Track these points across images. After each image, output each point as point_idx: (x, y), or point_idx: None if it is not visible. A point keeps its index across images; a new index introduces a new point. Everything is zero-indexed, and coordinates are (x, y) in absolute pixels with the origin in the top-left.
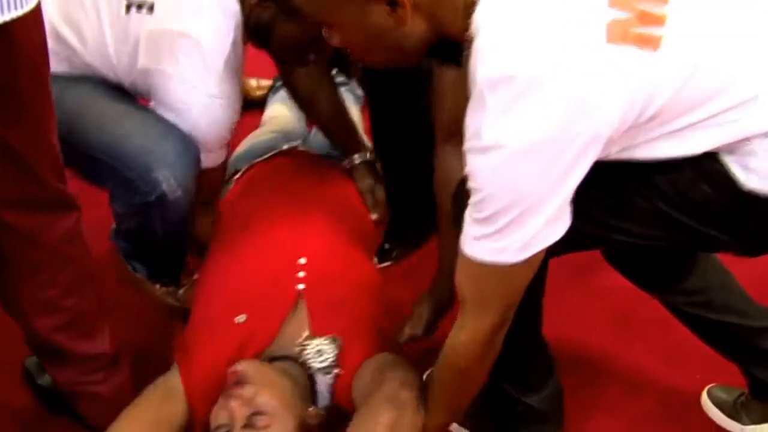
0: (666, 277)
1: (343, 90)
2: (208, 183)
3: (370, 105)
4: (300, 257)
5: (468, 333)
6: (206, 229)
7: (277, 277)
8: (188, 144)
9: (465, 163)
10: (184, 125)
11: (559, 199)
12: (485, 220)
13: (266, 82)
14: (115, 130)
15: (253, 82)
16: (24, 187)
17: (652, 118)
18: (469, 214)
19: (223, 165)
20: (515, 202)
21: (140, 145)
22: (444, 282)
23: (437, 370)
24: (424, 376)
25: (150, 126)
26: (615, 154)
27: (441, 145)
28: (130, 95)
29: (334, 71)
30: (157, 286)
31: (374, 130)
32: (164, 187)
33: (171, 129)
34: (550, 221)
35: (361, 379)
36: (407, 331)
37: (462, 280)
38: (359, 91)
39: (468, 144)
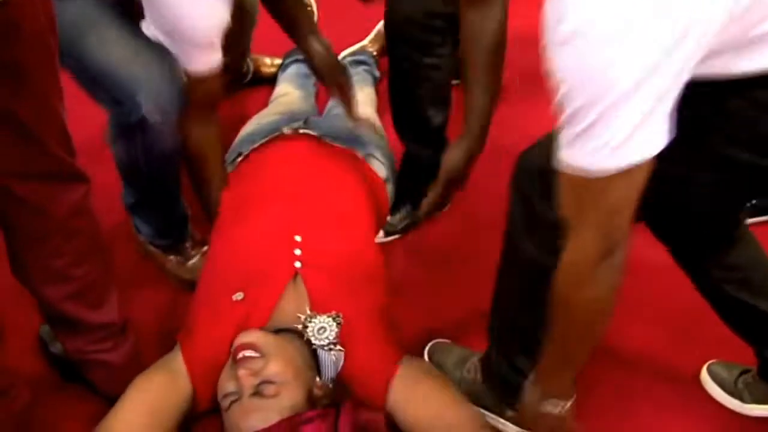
0: (709, 249)
1: (360, 69)
2: (203, 93)
3: (390, 63)
4: (295, 235)
5: (570, 254)
6: (209, 146)
7: (272, 255)
8: (174, 75)
9: (548, 59)
10: (167, 21)
11: (648, 100)
12: (573, 118)
13: (279, 61)
14: (111, 54)
15: (267, 60)
16: (32, 159)
17: (739, 17)
18: (560, 121)
19: (217, 77)
20: (600, 95)
21: (130, 70)
22: (472, 124)
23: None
24: (426, 351)
25: (142, 53)
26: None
27: (465, 8)
28: (129, 17)
29: (347, 53)
30: (171, 257)
31: (392, 93)
32: (144, 110)
33: (162, 58)
34: (642, 126)
35: (414, 399)
36: (443, 173)
37: (561, 196)
38: (377, 72)
39: (548, 36)
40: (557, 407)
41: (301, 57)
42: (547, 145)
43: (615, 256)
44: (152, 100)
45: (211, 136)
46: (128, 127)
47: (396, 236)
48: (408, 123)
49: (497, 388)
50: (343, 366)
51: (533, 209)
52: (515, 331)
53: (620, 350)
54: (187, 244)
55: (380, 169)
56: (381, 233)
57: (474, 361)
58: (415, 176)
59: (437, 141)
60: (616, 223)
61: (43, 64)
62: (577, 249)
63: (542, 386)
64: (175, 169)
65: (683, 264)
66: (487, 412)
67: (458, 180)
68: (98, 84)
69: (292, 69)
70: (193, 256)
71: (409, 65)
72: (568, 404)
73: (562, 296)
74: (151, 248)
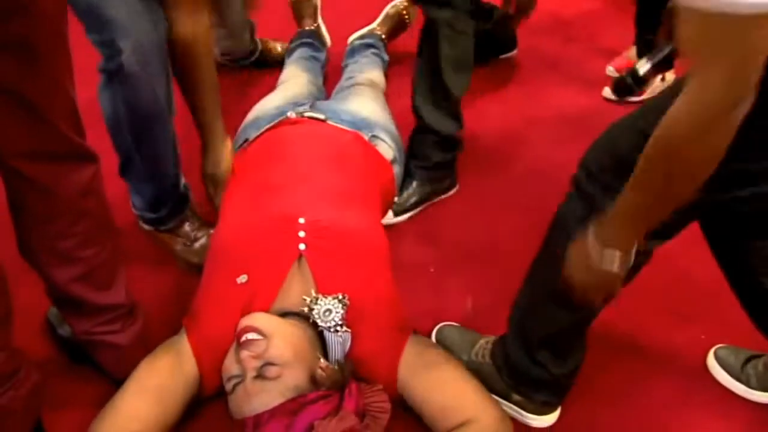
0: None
1: (369, 53)
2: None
3: (423, 26)
4: (299, 217)
5: (690, 101)
6: (198, 42)
7: (276, 237)
8: (160, 31)
9: None
10: None
11: None
12: None
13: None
14: (113, 5)
15: (278, 46)
16: (40, 139)
17: None
18: None
19: None
20: None
21: (117, 15)
22: None
23: (645, 151)
24: (433, 333)
25: (135, 5)
26: None
27: None
28: None
29: (356, 36)
30: (180, 239)
31: (419, 59)
32: (124, 57)
33: (151, 14)
34: None
35: (419, 372)
36: None
37: (687, 40)
38: (385, 56)
39: None
40: (614, 261)
41: (308, 40)
42: (605, 144)
43: (739, 109)
44: (132, 47)
45: (200, 32)
46: (109, 74)
47: (406, 215)
48: (430, 89)
49: (511, 376)
50: (350, 347)
51: (593, 207)
52: (544, 326)
53: (625, 333)
54: (187, 226)
55: (387, 151)
56: (390, 214)
57: (482, 344)
58: (424, 152)
59: (453, 113)
60: (750, 69)
61: (53, 43)
62: (702, 96)
63: (606, 234)
64: (161, 130)
65: (723, 254)
66: (494, 396)
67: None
68: (88, 19)
69: (299, 52)
70: (199, 239)
71: (440, 30)
72: (626, 261)
73: (668, 147)
74: (145, 225)
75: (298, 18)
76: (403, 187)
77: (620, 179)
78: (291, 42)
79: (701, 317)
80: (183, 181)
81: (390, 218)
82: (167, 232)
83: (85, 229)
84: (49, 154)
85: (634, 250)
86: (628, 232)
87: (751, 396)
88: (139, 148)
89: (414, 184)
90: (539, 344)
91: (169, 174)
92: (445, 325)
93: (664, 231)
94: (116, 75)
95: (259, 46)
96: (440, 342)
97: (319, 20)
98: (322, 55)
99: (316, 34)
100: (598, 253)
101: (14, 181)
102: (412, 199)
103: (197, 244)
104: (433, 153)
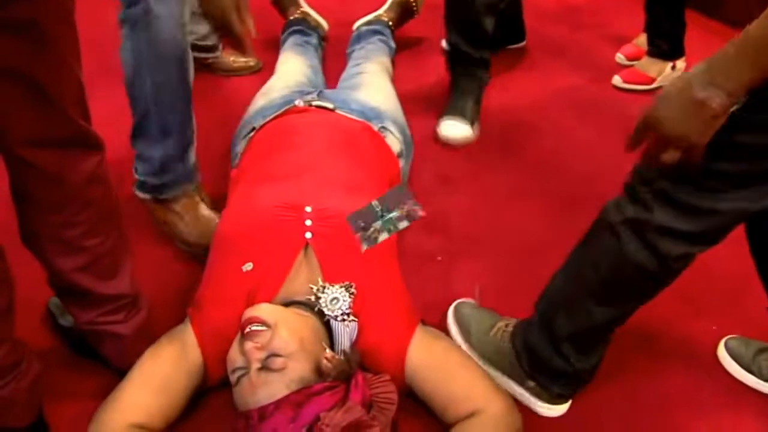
0: None
1: (376, 39)
2: None
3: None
4: (306, 205)
5: None
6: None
7: (282, 225)
8: None
9: None
10: None
11: None
12: None
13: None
14: None
15: (241, 59)
16: (48, 124)
17: None
18: None
19: None
20: None
21: None
22: None
23: None
24: (451, 310)
25: None
26: None
27: None
28: None
29: (362, 22)
30: (182, 220)
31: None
32: (152, 1)
33: None
34: None
35: (428, 364)
36: None
37: None
38: (393, 43)
39: None
40: (717, 97)
41: (296, 28)
42: None
43: None
44: None
45: None
46: (134, 21)
47: (476, 126)
48: (462, 32)
49: (530, 363)
50: (357, 337)
51: (644, 210)
52: (576, 321)
53: (635, 324)
54: (188, 204)
55: (394, 143)
56: (468, 129)
57: (501, 326)
58: (467, 71)
59: (488, 44)
60: None
61: (62, 27)
62: None
63: (719, 67)
64: (180, 75)
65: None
66: (507, 378)
67: None
68: None
69: (290, 41)
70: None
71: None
72: (727, 106)
73: None
74: (142, 194)
75: (282, 10)
76: (458, 106)
77: (673, 184)
78: (281, 32)
79: (713, 308)
80: (194, 158)
81: (470, 132)
82: (164, 203)
83: (90, 217)
84: (56, 141)
85: (736, 104)
86: (743, 71)
87: (761, 387)
88: (157, 97)
89: (470, 101)
90: (566, 337)
91: (181, 135)
92: (462, 302)
93: (714, 236)
94: (142, 19)
95: (219, 48)
96: (458, 319)
97: (304, 6)
98: (313, 38)
99: (304, 20)
100: (702, 86)
101: (20, 170)
102: (475, 110)
103: (200, 225)
104: (476, 71)
